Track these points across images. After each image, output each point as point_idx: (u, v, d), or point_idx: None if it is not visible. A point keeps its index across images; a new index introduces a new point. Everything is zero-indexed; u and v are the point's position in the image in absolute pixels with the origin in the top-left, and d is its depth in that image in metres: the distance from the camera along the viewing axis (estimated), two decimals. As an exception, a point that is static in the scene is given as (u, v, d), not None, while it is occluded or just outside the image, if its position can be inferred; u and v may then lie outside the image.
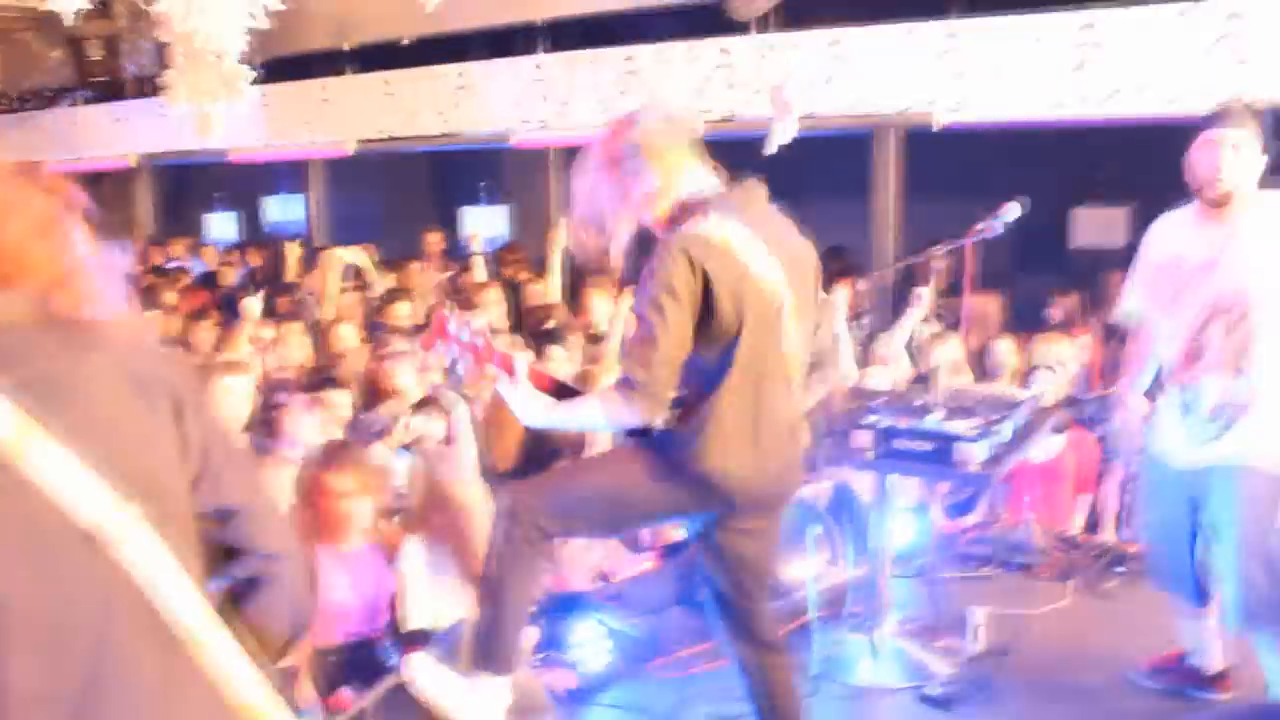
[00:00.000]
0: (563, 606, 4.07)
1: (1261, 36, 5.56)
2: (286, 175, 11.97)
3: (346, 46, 9.16)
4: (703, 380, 2.72)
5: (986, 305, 6.60)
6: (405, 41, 8.67)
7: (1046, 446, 5.59)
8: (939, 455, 3.47)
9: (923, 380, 5.07)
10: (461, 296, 6.65)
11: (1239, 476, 3.27)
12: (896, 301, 6.31)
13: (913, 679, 3.95)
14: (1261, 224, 3.30)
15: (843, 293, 5.98)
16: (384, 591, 3.80)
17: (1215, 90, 5.65)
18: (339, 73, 9.26)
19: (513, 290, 6.98)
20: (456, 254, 8.94)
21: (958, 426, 3.53)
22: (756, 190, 2.92)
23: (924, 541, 5.03)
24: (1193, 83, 5.71)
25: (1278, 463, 3.24)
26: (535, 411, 3.03)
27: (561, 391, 3.01)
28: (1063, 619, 4.55)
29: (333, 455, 3.82)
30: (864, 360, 5.88)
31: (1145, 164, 6.29)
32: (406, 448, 4.52)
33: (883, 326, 6.14)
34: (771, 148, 5.21)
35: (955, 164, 6.82)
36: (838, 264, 6.30)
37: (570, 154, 8.30)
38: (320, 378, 5.15)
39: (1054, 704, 3.85)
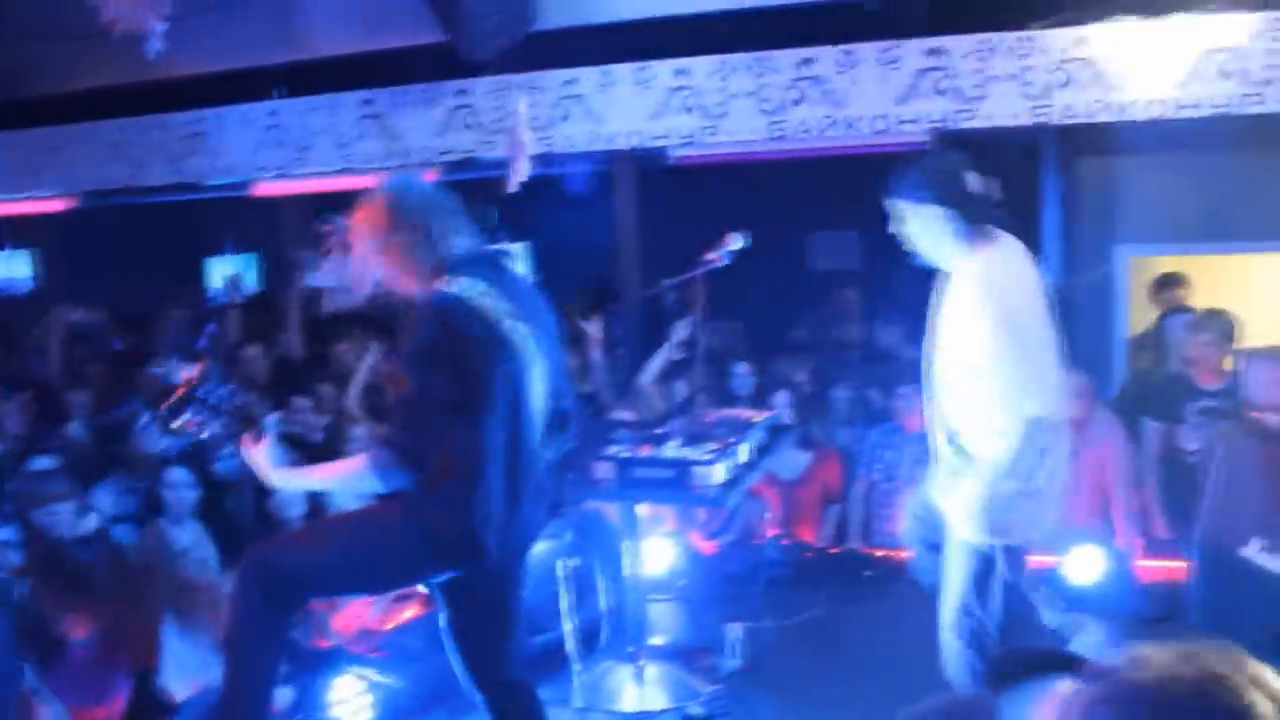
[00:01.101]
0: (319, 663, 3.98)
1: (961, 70, 6.02)
2: (10, 230, 11.21)
3: (72, 93, 8.69)
4: (460, 439, 2.73)
5: (726, 332, 6.87)
6: (134, 88, 8.31)
7: (793, 463, 5.86)
8: (678, 481, 3.59)
9: (675, 409, 5.21)
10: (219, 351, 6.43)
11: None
12: (647, 334, 6.47)
13: (675, 700, 4.04)
14: (961, 288, 3.20)
15: (595, 326, 6.09)
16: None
17: (920, 121, 6.11)
18: (66, 121, 8.78)
19: (267, 343, 6.80)
20: (204, 306, 8.61)
21: (694, 452, 3.66)
22: (505, 254, 3.01)
23: (681, 564, 5.18)
24: (899, 114, 6.13)
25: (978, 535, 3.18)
26: (288, 478, 2.98)
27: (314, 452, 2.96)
28: (816, 627, 4.76)
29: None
30: (619, 392, 6.01)
31: (872, 191, 6.73)
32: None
33: (635, 358, 6.28)
34: (511, 187, 5.27)
35: (697, 197, 7.06)
36: (589, 298, 6.42)
37: (312, 200, 8.29)
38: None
39: (806, 711, 4.02)
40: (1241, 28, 5.59)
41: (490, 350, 2.73)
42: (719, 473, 3.58)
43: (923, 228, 3.21)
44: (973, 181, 3.18)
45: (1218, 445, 4.34)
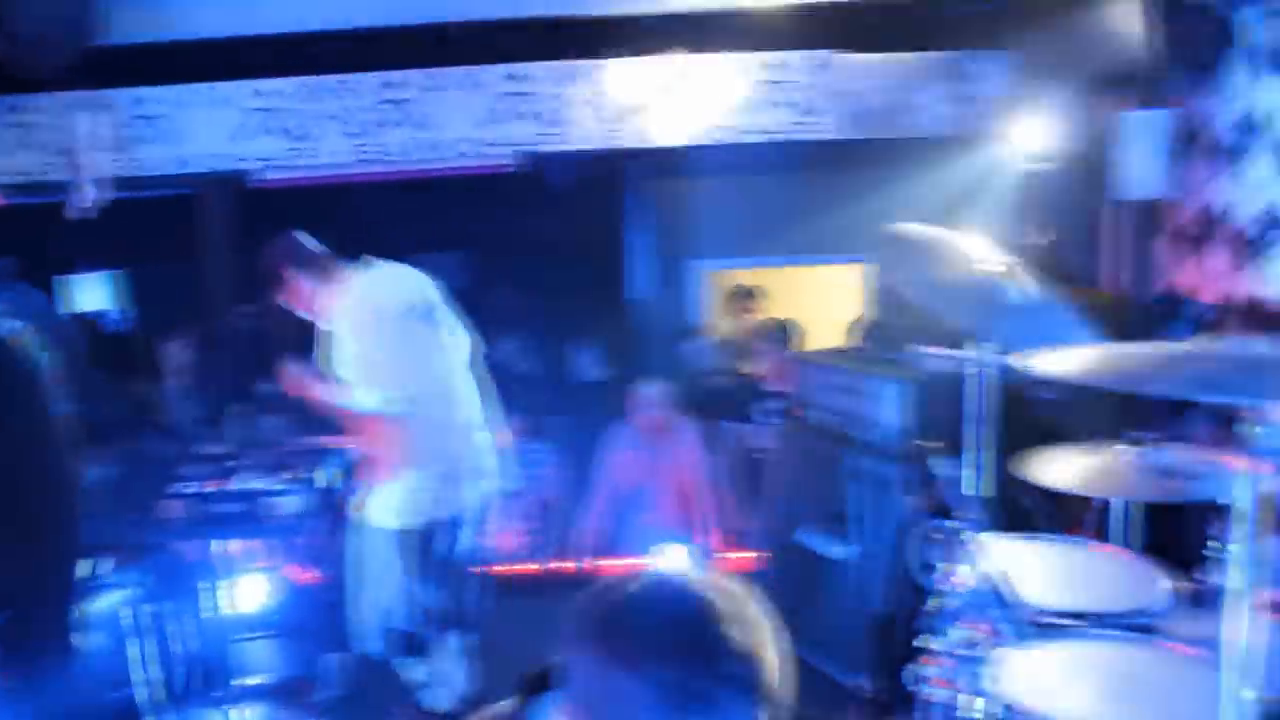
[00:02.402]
0: None
1: (542, 95, 6.24)
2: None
3: None
4: None
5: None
6: None
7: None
8: (250, 514, 3.48)
9: (260, 439, 5.03)
10: None
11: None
12: (237, 360, 6.20)
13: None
14: (335, 313, 3.74)
15: (177, 351, 5.78)
16: None
17: (504, 144, 6.27)
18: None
19: None
20: None
21: (267, 483, 3.56)
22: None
23: (278, 598, 5.00)
24: (484, 137, 6.26)
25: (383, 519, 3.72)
26: None
27: None
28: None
29: None
30: (208, 422, 5.73)
31: (467, 212, 6.81)
32: None
33: (226, 386, 6.00)
34: (73, 212, 4.90)
35: (289, 219, 6.84)
36: (167, 325, 6.09)
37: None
38: None
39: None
40: (791, 62, 6.16)
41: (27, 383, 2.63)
42: (293, 503, 3.51)
43: (300, 293, 3.82)
44: (309, 242, 3.90)
45: (776, 442, 4.75)
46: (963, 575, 2.11)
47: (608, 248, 7.13)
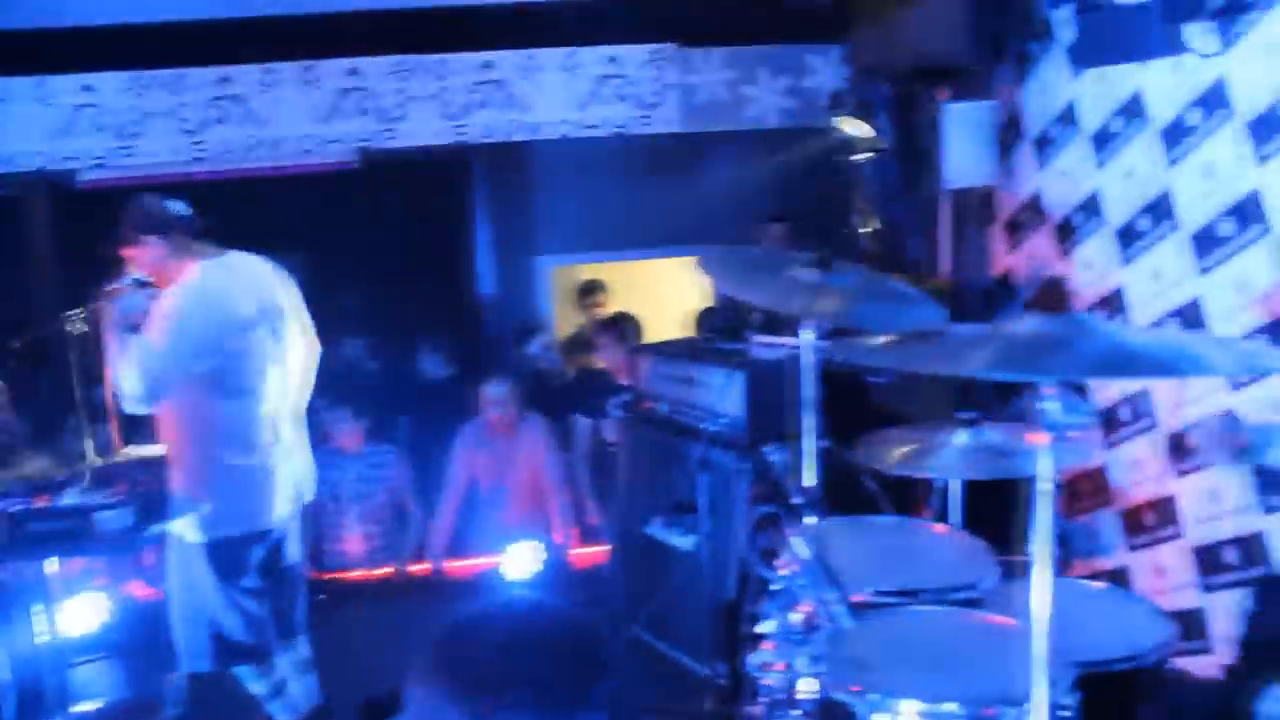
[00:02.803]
0: None
1: (381, 91, 6.14)
2: None
3: None
4: None
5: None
6: None
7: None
8: (79, 530, 3.33)
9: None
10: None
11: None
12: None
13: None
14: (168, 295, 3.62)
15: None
16: None
17: (344, 141, 6.15)
18: None
19: None
20: None
21: (97, 497, 3.42)
22: None
23: (115, 617, 4.83)
24: (323, 134, 6.14)
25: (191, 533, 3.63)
26: None
27: None
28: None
29: None
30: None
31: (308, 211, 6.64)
32: None
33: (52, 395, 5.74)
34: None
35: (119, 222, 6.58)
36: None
37: None
38: None
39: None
40: (632, 56, 6.19)
41: None
42: (122, 517, 3.37)
43: (147, 258, 3.68)
44: (176, 210, 3.73)
45: (623, 435, 4.78)
46: (793, 559, 2.16)
47: (452, 245, 7.05)
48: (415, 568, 5.61)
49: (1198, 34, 3.88)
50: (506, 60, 6.18)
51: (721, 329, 4.50)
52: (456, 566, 5.55)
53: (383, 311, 6.76)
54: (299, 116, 6.16)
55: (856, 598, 2.43)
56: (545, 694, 1.27)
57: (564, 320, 7.34)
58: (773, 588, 2.25)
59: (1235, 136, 3.84)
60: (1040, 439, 1.61)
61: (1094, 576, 4.36)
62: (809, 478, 3.07)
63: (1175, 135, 4.12)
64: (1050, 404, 1.58)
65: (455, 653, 1.32)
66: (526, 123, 6.20)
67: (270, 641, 3.80)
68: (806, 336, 2.87)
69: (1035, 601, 1.72)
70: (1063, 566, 4.76)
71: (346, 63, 6.17)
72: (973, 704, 1.94)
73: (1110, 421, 4.54)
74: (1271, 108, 3.69)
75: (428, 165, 6.50)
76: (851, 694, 2.01)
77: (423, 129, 6.16)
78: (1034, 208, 4.95)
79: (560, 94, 6.16)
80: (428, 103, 6.17)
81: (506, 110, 6.15)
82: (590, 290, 7.03)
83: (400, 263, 6.67)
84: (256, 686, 3.83)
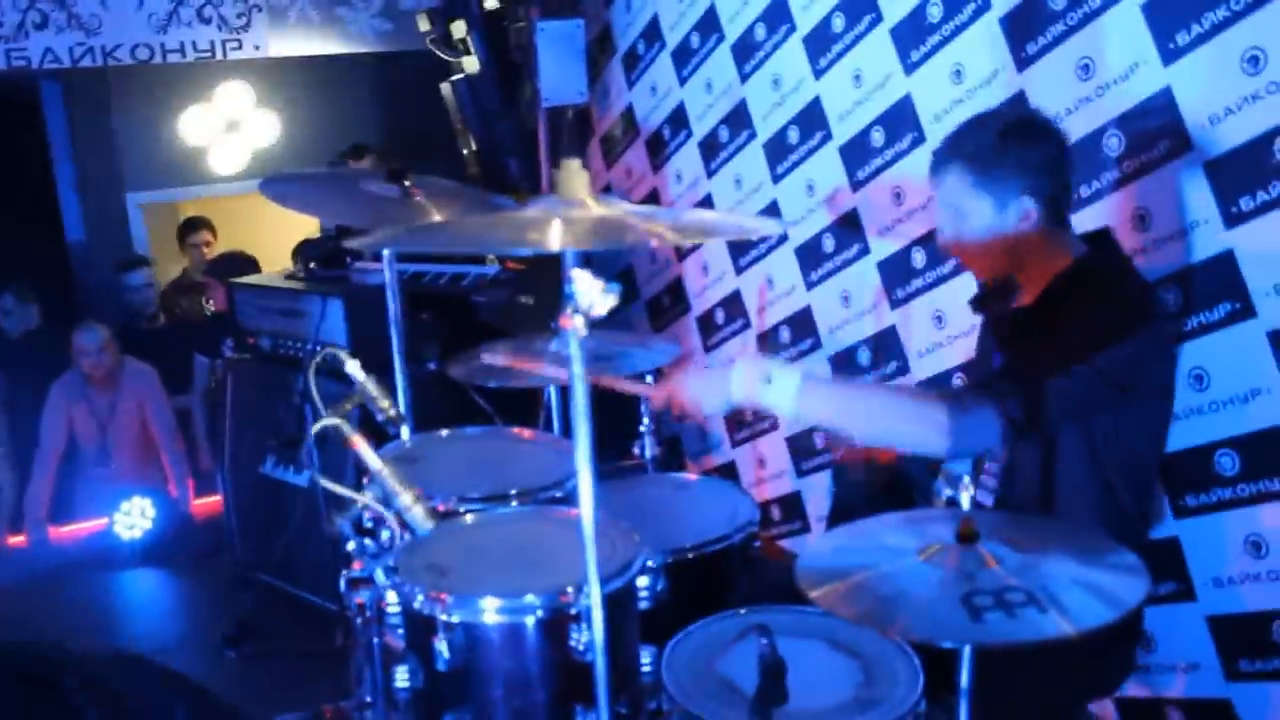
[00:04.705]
0: None
1: None
2: None
3: None
4: None
5: None
6: None
7: None
8: None
9: None
10: None
11: None
12: None
13: None
14: None
15: None
16: None
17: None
18: None
19: None
20: None
21: None
22: None
23: None
24: None
25: None
26: None
27: None
28: None
29: None
30: None
31: None
32: None
33: None
34: None
35: None
36: None
37: None
38: None
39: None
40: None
41: None
42: None
43: None
44: None
45: (227, 375, 4.57)
46: (374, 477, 2.13)
47: (29, 185, 6.39)
48: (13, 540, 5.17)
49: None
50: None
51: (320, 258, 4.37)
52: (62, 534, 5.16)
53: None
54: None
55: (442, 506, 2.45)
56: None
57: (167, 261, 6.84)
58: (357, 508, 2.20)
59: (800, 48, 4.08)
60: (571, 322, 1.65)
61: (707, 473, 4.63)
62: (404, 396, 3.08)
63: (746, 50, 4.35)
64: (580, 285, 1.61)
65: None
66: (95, 47, 5.64)
67: None
68: (388, 258, 2.85)
69: (581, 486, 1.78)
70: (678, 465, 5.06)
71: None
72: (551, 594, 2.00)
73: (707, 324, 4.81)
74: (826, 20, 3.95)
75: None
76: (429, 599, 2.02)
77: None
78: (628, 122, 5.11)
79: (132, 14, 5.64)
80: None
81: (71, 31, 5.56)
82: (193, 227, 6.56)
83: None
84: None
